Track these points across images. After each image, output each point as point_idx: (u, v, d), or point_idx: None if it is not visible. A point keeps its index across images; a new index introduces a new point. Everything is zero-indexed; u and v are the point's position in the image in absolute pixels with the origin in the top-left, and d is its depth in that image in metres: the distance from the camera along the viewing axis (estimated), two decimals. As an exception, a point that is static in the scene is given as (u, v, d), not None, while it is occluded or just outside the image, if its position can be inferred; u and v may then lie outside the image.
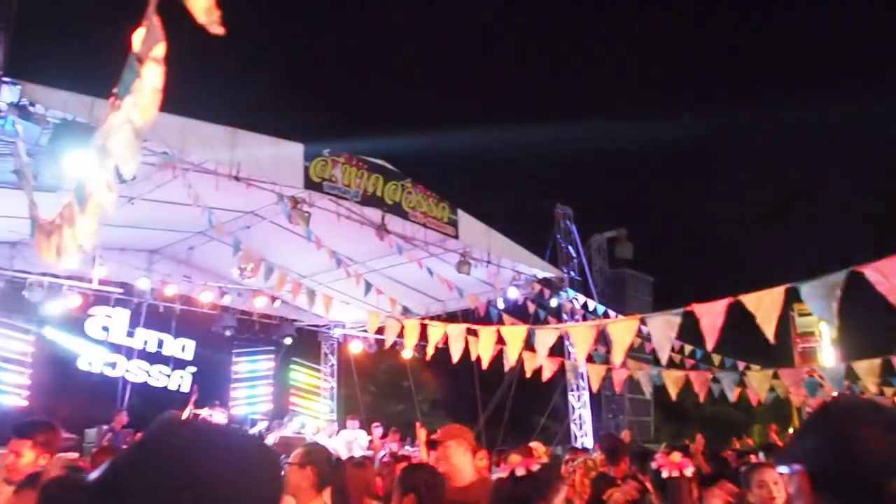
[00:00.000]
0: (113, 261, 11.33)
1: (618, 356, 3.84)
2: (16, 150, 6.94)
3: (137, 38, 1.47)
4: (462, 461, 3.63)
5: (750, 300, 3.09)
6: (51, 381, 11.43)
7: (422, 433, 7.67)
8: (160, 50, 1.43)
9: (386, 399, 20.01)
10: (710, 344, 3.30)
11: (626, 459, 6.35)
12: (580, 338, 4.15)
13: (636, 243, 17.39)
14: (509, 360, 5.12)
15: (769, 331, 3.05)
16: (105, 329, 12.52)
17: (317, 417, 15.63)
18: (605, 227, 17.80)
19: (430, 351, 5.52)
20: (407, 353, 13.74)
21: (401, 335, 6.11)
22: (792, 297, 3.15)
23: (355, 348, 15.74)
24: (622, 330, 3.75)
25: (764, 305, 2.98)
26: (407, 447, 12.31)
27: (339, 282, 11.95)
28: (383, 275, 12.28)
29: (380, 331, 7.88)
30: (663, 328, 3.45)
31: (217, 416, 11.41)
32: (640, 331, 3.76)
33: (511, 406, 15.28)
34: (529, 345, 5.62)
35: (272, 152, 9.08)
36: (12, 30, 7.02)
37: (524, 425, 16.29)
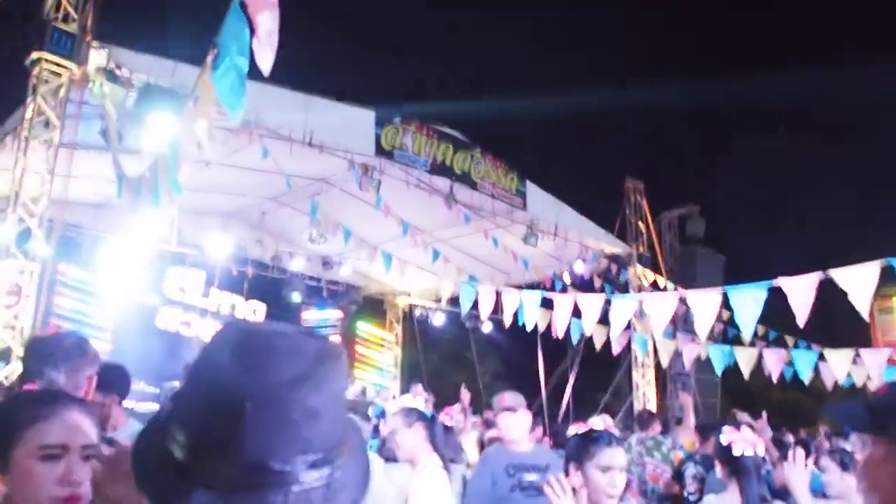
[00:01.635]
0: (189, 224, 11.69)
1: (701, 329, 3.74)
2: (103, 112, 7.20)
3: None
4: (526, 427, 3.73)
5: (842, 275, 2.95)
6: (132, 336, 11.92)
7: (466, 395, 7.72)
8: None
9: (448, 369, 20.17)
10: (800, 320, 3.17)
11: (654, 427, 6.31)
12: (658, 310, 4.06)
13: (708, 220, 16.94)
14: (585, 330, 5.07)
15: (864, 308, 2.91)
16: (181, 290, 12.97)
17: (381, 371, 15.89)
18: (677, 202, 17.39)
19: (507, 319, 5.51)
20: (476, 321, 13.77)
21: (474, 306, 6.13)
22: (888, 275, 2.99)
23: (421, 316, 15.88)
24: (704, 303, 3.64)
25: (858, 281, 2.83)
26: (471, 417, 12.39)
27: (406, 250, 12.03)
28: (449, 244, 12.30)
29: (451, 300, 7.93)
30: (747, 302, 3.34)
31: None
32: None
33: (574, 381, 15.20)
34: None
35: (344, 119, 9.16)
36: (101, -4, 7.24)
37: (586, 402, 16.18)
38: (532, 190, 11.26)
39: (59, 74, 7.26)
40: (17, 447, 1.34)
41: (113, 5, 7.65)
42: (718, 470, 3.14)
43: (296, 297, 13.88)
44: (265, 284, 13.69)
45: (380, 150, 9.30)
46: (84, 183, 9.41)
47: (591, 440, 2.47)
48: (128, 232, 11.26)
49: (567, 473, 2.40)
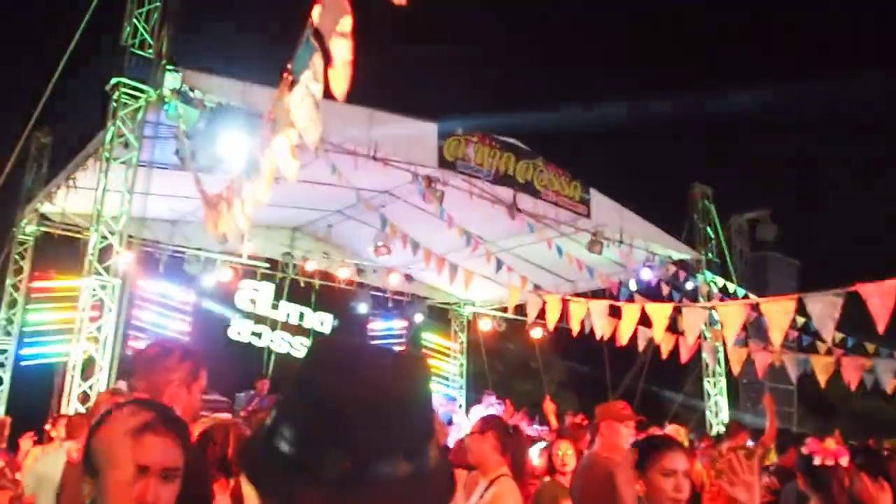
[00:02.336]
0: (260, 237, 12.03)
1: (775, 337, 3.64)
2: (178, 132, 7.50)
3: (317, 13, 1.55)
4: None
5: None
6: (206, 347, 12.33)
7: (550, 406, 7.68)
8: (347, 24, 1.50)
9: (514, 378, 20.09)
10: (880, 327, 3.07)
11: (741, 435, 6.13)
12: (730, 318, 3.98)
13: (780, 225, 16.43)
14: (655, 339, 4.99)
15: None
16: (252, 301, 13.34)
17: (446, 381, 15.98)
18: (747, 207, 16.93)
19: (576, 327, 5.48)
20: (537, 332, 13.71)
21: (540, 315, 6.12)
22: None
23: (485, 326, 15.89)
24: (778, 310, 3.56)
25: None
26: (535, 427, 12.34)
27: (470, 260, 12.08)
28: (513, 254, 12.29)
29: (515, 309, 7.92)
30: (825, 309, 3.24)
31: None
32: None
33: (642, 390, 14.93)
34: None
35: (407, 132, 9.29)
36: (174, 21, 7.56)
37: (655, 411, 15.86)
38: (596, 197, 11.16)
39: (136, 98, 7.62)
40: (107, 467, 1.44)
41: (186, 30, 7.97)
42: (800, 482, 3.05)
43: (362, 309, 14.09)
44: (332, 296, 13.94)
45: (443, 162, 9.39)
46: (160, 200, 9.80)
47: (651, 445, 2.45)
48: (201, 246, 11.72)
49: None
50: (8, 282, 11.21)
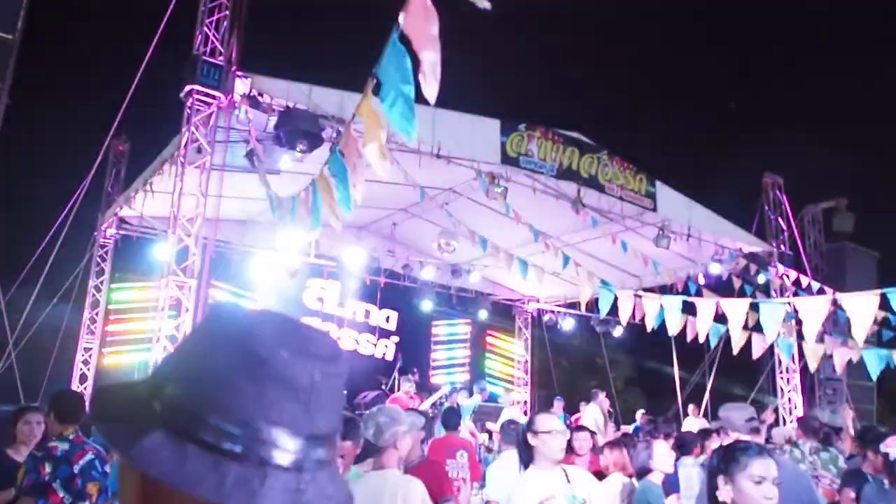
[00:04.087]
0: (326, 236, 12.25)
1: (859, 333, 3.52)
2: (248, 136, 7.72)
3: (403, 18, 1.59)
4: None
5: None
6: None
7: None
8: (435, 28, 1.54)
9: (579, 375, 19.93)
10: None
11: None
12: (810, 313, 3.87)
13: (858, 214, 15.78)
14: (732, 335, 4.90)
15: None
16: (320, 300, 13.62)
17: (511, 383, 15.98)
18: (821, 196, 16.33)
19: (650, 323, 5.42)
20: (607, 326, 13.59)
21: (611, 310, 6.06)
22: None
23: (549, 322, 15.82)
24: (861, 306, 3.44)
25: None
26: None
27: (534, 256, 12.05)
28: (577, 249, 12.20)
29: (580, 305, 7.86)
30: (910, 303, 3.12)
31: (406, 385, 11.85)
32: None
33: (712, 387, 14.60)
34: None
35: (470, 129, 9.32)
36: (243, 28, 7.78)
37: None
38: (662, 190, 10.97)
39: (208, 104, 7.86)
40: None
41: (254, 36, 8.18)
42: (886, 481, 2.96)
43: (426, 305, 14.22)
44: (397, 293, 14.10)
45: (506, 158, 9.39)
46: (232, 202, 10.10)
47: (740, 450, 2.41)
48: (271, 246, 12.02)
49: (715, 487, 2.34)
50: (90, 283, 11.73)
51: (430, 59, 1.63)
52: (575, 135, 10.20)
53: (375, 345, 14.17)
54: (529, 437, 3.38)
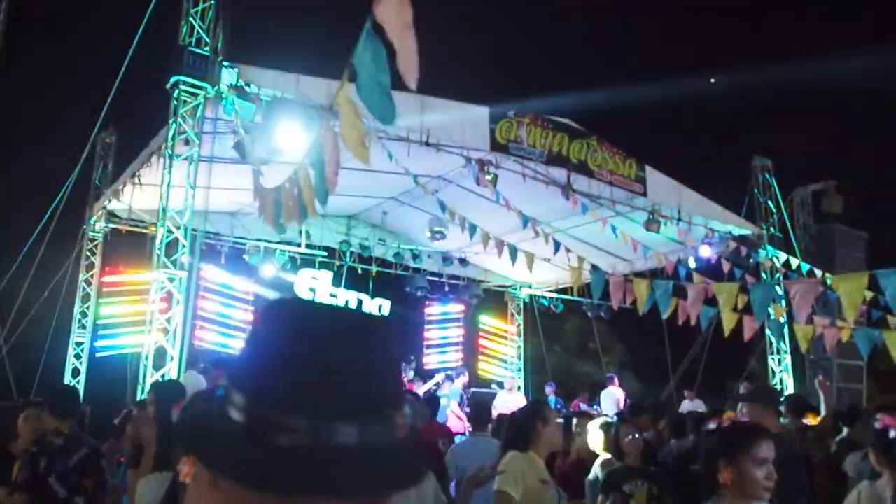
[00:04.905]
0: (316, 226, 12.25)
1: (849, 314, 3.56)
2: (235, 127, 7.69)
3: (377, 6, 1.59)
4: None
5: None
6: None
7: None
8: (408, 16, 1.54)
9: (572, 359, 20.02)
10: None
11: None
12: (801, 295, 3.90)
13: (847, 196, 15.83)
14: (723, 318, 4.93)
15: None
16: (311, 290, 13.61)
17: (504, 363, 16.05)
18: (810, 178, 16.38)
19: (641, 307, 5.45)
20: (598, 311, 13.67)
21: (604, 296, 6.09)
22: None
23: (541, 308, 15.87)
24: (851, 287, 3.46)
25: None
26: (595, 407, 12.30)
27: (525, 242, 12.07)
28: (568, 234, 12.22)
29: (572, 290, 7.88)
30: (896, 282, 3.15)
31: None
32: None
33: (703, 369, 14.69)
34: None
35: (459, 116, 9.31)
36: (228, 18, 7.73)
37: (718, 390, 15.62)
38: (652, 175, 10.99)
39: (195, 95, 7.82)
40: None
41: (240, 26, 8.13)
42: (872, 457, 3.00)
43: (419, 293, 14.23)
44: (389, 282, 14.11)
45: (495, 145, 9.39)
46: (221, 194, 10.06)
47: (742, 433, 2.41)
48: (260, 237, 12.00)
49: (715, 469, 2.32)
50: (80, 277, 11.69)
51: (406, 47, 1.62)
52: (564, 120, 10.20)
53: (368, 333, 14.17)
54: (539, 424, 3.50)
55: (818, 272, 11.30)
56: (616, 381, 12.54)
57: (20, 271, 10.30)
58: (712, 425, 4.26)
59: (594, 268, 9.99)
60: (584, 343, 18.88)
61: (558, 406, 11.59)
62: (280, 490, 0.69)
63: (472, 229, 8.99)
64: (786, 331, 12.16)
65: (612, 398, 12.02)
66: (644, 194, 10.88)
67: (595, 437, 4.71)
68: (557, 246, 9.34)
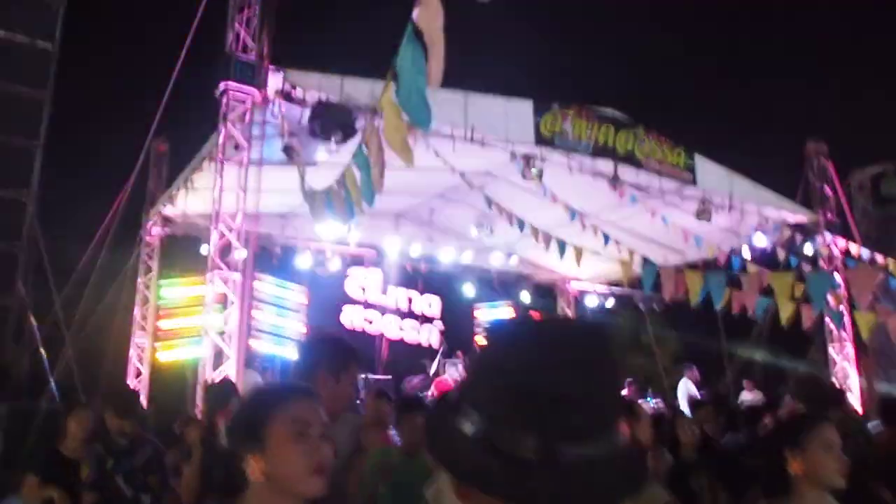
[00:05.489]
0: (365, 226, 12.36)
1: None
2: (283, 130, 7.82)
3: (417, 12, 1.61)
4: None
5: None
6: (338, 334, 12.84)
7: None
8: (440, 19, 1.56)
9: (625, 353, 19.76)
10: None
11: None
12: (859, 282, 3.78)
13: (908, 178, 15.25)
14: (779, 308, 4.81)
15: None
16: (362, 289, 13.77)
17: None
18: (868, 161, 15.82)
19: (694, 299, 5.36)
20: (651, 303, 13.48)
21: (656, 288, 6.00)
22: None
23: (591, 302, 15.72)
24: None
25: None
26: (649, 399, 12.16)
27: (574, 235, 11.97)
28: (617, 227, 12.05)
29: (620, 282, 7.80)
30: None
31: (451, 369, 11.96)
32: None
33: (762, 360, 14.37)
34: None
35: (503, 111, 9.28)
36: (273, 23, 7.86)
37: (777, 381, 15.24)
38: (702, 163, 10.78)
39: (243, 101, 7.98)
40: (269, 426, 1.57)
41: (286, 30, 8.26)
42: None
43: (468, 290, 14.26)
44: (438, 279, 14.18)
45: (540, 139, 9.33)
46: (271, 196, 10.22)
47: (809, 420, 2.38)
48: (310, 238, 12.18)
49: (783, 462, 2.28)
50: (139, 281, 12.04)
51: (436, 50, 1.64)
52: (609, 111, 10.08)
53: (419, 331, 14.27)
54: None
55: (880, 258, 10.92)
56: (693, 370, 12.43)
57: (82, 276, 10.65)
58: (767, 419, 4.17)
59: (645, 260, 9.86)
60: (636, 336, 18.62)
61: None
62: (527, 501, 0.77)
63: (521, 224, 8.96)
64: (847, 319, 11.80)
65: (685, 389, 11.99)
66: (694, 183, 10.68)
67: (644, 431, 4.65)
68: (607, 238, 9.24)
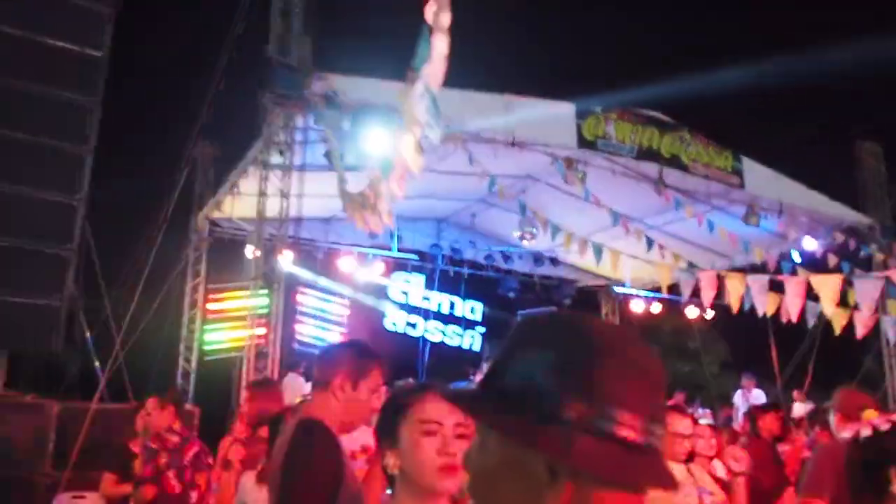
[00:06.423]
0: (408, 230, 12.43)
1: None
2: (325, 135, 7.91)
3: (429, 10, 1.61)
4: None
5: None
6: (365, 338, 12.92)
7: None
8: (446, 19, 1.55)
9: (671, 360, 19.39)
10: None
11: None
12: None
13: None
14: (826, 313, 4.65)
15: None
16: (404, 293, 13.83)
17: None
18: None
19: (734, 304, 5.23)
20: (694, 312, 13.24)
21: (695, 292, 5.89)
22: None
23: (637, 307, 15.48)
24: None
25: None
26: (699, 409, 11.91)
27: (618, 240, 11.81)
28: (662, 231, 11.87)
29: (670, 288, 7.67)
30: None
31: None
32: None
33: (813, 369, 13.94)
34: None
35: (544, 114, 9.22)
36: (315, 28, 7.98)
37: (829, 391, 14.74)
38: (750, 166, 10.55)
39: (285, 105, 8.10)
40: (402, 423, 1.62)
41: (327, 34, 8.36)
42: None
43: (511, 295, 14.20)
44: (481, 284, 14.16)
45: (582, 142, 9.25)
46: (314, 201, 10.36)
47: None
48: (354, 242, 12.28)
49: (883, 480, 2.10)
50: (188, 284, 12.30)
51: (439, 49, 1.63)
52: (653, 113, 9.94)
53: (461, 335, 14.27)
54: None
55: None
56: (749, 380, 12.46)
57: (131, 280, 10.92)
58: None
59: (690, 265, 9.68)
60: (682, 342, 18.28)
61: None
62: (662, 484, 0.82)
63: (554, 230, 8.87)
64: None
65: (743, 398, 11.94)
66: (741, 186, 10.45)
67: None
68: (650, 243, 9.09)
